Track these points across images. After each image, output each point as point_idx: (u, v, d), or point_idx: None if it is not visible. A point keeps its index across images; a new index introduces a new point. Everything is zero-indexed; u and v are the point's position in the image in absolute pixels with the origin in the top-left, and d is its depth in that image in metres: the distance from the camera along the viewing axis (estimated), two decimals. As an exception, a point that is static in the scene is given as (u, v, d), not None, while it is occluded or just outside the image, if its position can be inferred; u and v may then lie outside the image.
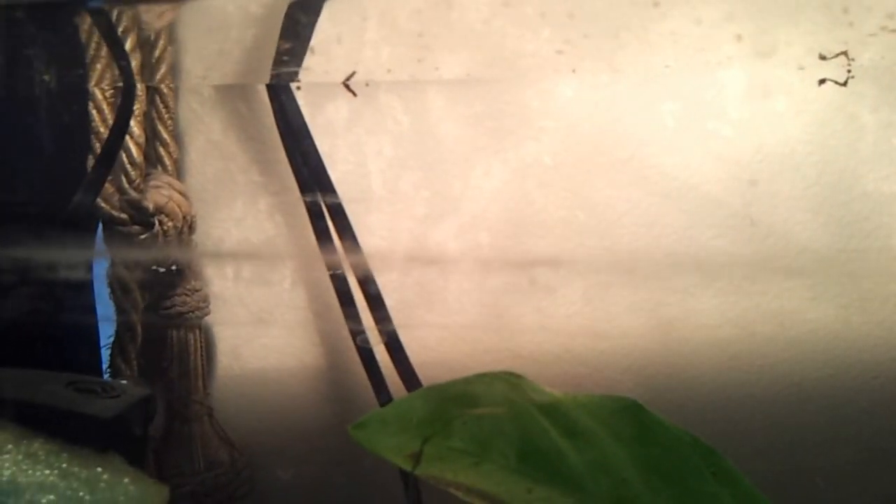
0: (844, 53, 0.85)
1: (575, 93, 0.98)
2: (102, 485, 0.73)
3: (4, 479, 0.70)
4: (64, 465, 0.73)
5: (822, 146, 0.98)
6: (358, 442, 0.67)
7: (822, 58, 0.86)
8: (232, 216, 1.02)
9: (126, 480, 0.74)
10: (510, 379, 0.71)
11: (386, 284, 0.97)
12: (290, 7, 0.84)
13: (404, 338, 0.97)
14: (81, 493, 0.72)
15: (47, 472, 0.72)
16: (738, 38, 0.86)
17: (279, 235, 1.02)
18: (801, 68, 0.92)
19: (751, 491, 0.67)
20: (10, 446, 0.73)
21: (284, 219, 1.02)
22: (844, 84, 0.91)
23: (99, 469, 0.74)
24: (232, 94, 1.01)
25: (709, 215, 0.99)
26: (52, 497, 0.70)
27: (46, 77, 0.85)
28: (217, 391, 1.05)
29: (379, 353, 0.97)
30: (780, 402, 1.02)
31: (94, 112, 0.90)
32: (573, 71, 0.94)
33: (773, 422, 1.02)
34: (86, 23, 0.86)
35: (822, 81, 0.92)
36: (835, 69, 0.90)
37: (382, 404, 0.96)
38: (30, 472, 0.72)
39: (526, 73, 0.96)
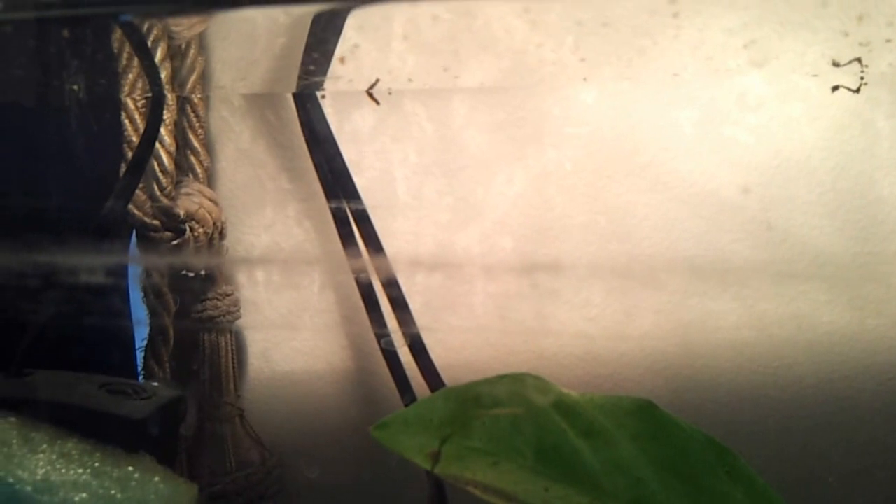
0: (858, 60, 0.85)
1: (595, 100, 0.98)
2: (133, 483, 0.74)
3: (39, 477, 0.71)
4: (96, 465, 0.74)
5: (838, 152, 0.98)
6: (380, 442, 0.67)
7: (836, 65, 0.86)
8: (261, 222, 1.03)
9: (156, 479, 0.75)
10: (528, 380, 0.71)
11: (410, 288, 0.97)
12: (316, 18, 0.84)
13: (428, 340, 0.97)
14: (113, 492, 0.73)
15: (80, 470, 0.73)
16: (754, 45, 0.85)
17: (308, 241, 1.03)
18: (816, 75, 0.92)
19: (765, 489, 0.67)
20: (44, 446, 0.74)
21: (313, 224, 1.03)
22: (857, 91, 0.90)
23: (130, 468, 0.75)
24: (261, 103, 1.01)
25: (726, 220, 0.99)
26: (84, 495, 0.71)
27: (76, 87, 0.86)
28: (248, 393, 1.05)
29: (403, 355, 0.97)
30: (796, 402, 1.01)
31: (126, 121, 0.91)
32: (591, 80, 0.94)
33: (789, 422, 1.01)
34: (117, 33, 0.87)
35: (835, 88, 0.91)
36: (849, 76, 0.90)
37: (407, 405, 0.96)
38: (63, 470, 0.73)
39: (547, 81, 0.97)
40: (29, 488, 0.71)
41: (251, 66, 0.95)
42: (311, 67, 0.88)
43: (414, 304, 0.97)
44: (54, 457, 0.73)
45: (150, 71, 0.87)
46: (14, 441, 0.73)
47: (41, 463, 0.72)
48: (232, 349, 1.01)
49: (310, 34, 0.86)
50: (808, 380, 1.01)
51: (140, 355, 0.98)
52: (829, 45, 0.84)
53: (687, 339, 1.00)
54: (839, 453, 1.02)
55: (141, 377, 0.97)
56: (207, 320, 0.98)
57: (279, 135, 1.02)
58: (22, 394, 0.80)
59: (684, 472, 0.67)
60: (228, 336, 1.01)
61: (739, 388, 1.01)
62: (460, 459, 0.66)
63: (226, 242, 1.01)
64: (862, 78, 0.89)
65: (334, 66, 0.90)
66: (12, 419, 0.75)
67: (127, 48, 0.88)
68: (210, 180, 1.01)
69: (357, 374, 1.05)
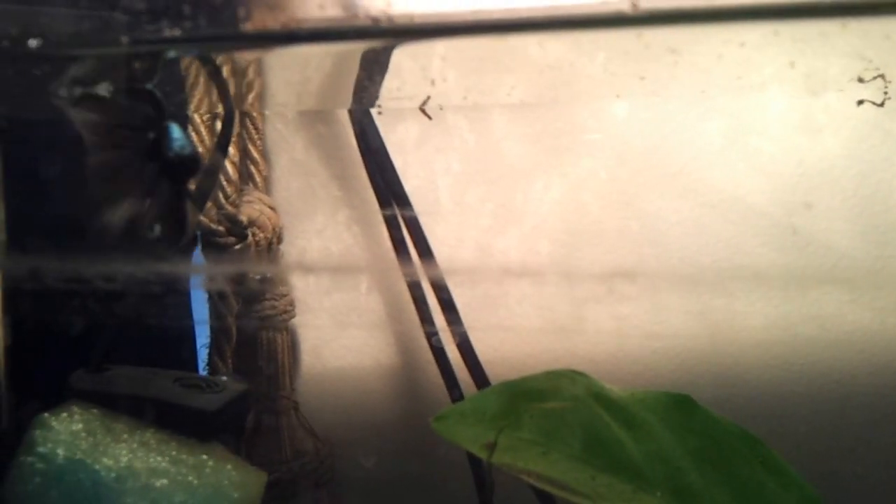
0: (882, 76, 0.85)
1: (628, 113, 0.99)
2: (208, 470, 0.76)
3: (122, 464, 0.73)
4: (173, 453, 0.76)
5: (860, 160, 0.98)
6: (438, 433, 0.69)
7: (861, 80, 0.86)
8: (314, 227, 1.05)
9: (229, 466, 0.77)
10: (574, 376, 0.72)
11: (454, 289, 0.98)
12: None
13: (470, 338, 0.98)
14: (190, 478, 0.74)
15: (159, 458, 0.75)
16: (782, 61, 0.86)
17: (357, 245, 1.04)
18: (841, 90, 0.93)
19: (795, 478, 0.68)
20: (125, 435, 0.76)
21: (361, 229, 1.04)
22: (882, 105, 0.91)
23: (204, 456, 0.77)
24: (312, 117, 1.03)
25: (753, 225, 0.99)
26: (164, 481, 0.73)
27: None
28: (302, 387, 1.07)
29: (450, 352, 0.98)
30: (820, 398, 1.01)
31: (193, 135, 0.93)
32: (622, 95, 0.95)
33: (814, 417, 1.02)
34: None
35: (860, 102, 0.92)
36: (872, 91, 0.90)
37: (454, 400, 0.97)
38: (144, 458, 0.74)
39: (582, 95, 0.98)
40: (113, 475, 0.72)
41: (305, 84, 0.96)
42: (366, 85, 0.89)
43: (457, 304, 0.98)
44: (135, 445, 0.75)
45: (222, 90, 0.88)
46: (98, 431, 0.75)
47: (123, 451, 0.74)
48: (288, 346, 1.02)
49: (363, 56, 0.87)
50: (831, 376, 1.01)
51: (203, 352, 1.00)
52: (854, 62, 0.84)
53: (716, 338, 1.01)
54: (863, 445, 1.02)
55: (205, 372, 0.99)
56: (265, 319, 0.99)
57: (330, 146, 1.03)
58: (103, 388, 0.82)
59: (720, 462, 0.68)
60: (284, 334, 1.02)
61: (766, 384, 1.01)
62: (513, 450, 0.67)
63: (282, 246, 1.02)
64: (885, 92, 0.89)
65: (384, 84, 0.91)
66: (95, 411, 0.77)
67: (193, 68, 0.89)
68: (268, 188, 1.03)
69: (402, 370, 1.06)
